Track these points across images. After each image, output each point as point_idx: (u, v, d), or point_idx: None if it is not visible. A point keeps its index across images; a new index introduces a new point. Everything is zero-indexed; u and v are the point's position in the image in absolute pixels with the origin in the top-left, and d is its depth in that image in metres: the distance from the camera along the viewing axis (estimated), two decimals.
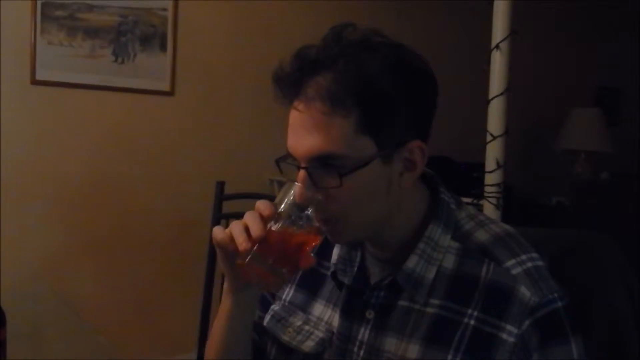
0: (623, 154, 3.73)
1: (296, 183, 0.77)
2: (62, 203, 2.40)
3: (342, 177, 0.74)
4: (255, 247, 0.72)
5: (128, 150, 2.53)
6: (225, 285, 0.86)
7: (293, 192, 0.76)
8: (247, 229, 0.74)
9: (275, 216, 0.74)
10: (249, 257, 0.72)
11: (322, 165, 0.76)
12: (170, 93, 2.60)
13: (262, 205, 0.75)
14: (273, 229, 0.74)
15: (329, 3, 2.95)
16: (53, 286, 2.18)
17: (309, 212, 0.75)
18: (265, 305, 0.99)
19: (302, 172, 0.77)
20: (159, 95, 2.58)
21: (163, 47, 2.56)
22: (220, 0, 2.71)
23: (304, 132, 0.77)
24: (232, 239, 0.75)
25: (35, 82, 2.32)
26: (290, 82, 0.79)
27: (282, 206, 0.75)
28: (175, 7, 2.57)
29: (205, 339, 1.74)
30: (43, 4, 2.30)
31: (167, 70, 2.58)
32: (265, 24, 2.83)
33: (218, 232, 0.77)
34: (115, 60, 2.47)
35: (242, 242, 0.73)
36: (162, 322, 2.54)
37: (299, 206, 0.75)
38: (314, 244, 0.77)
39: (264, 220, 0.74)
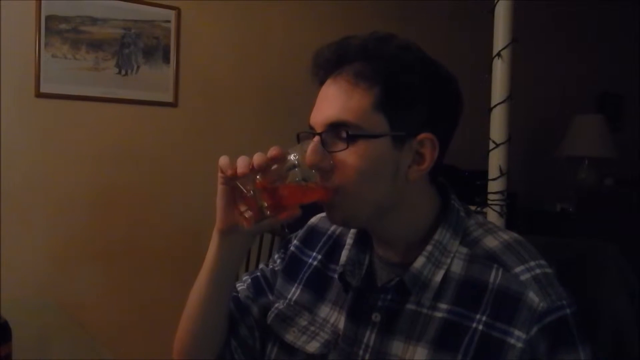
0: (626, 159, 3.72)
1: (308, 139, 0.82)
2: (66, 215, 2.41)
3: (351, 141, 0.78)
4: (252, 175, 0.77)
5: (132, 161, 2.54)
6: (214, 233, 0.88)
7: (301, 152, 0.80)
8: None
9: (282, 159, 0.78)
10: (242, 178, 0.77)
11: (335, 131, 0.80)
12: (173, 104, 2.62)
13: (272, 147, 0.79)
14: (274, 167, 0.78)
15: (332, 14, 2.97)
16: (58, 299, 2.18)
17: (314, 171, 0.79)
18: (256, 288, 1.00)
19: (316, 138, 0.81)
20: (162, 106, 2.59)
21: (166, 59, 2.58)
22: (223, 12, 2.72)
23: (326, 103, 0.82)
24: (233, 167, 0.79)
25: (39, 95, 2.33)
26: (328, 65, 0.85)
27: (292, 156, 0.79)
28: (178, 18, 2.59)
29: None
30: (47, 18, 2.32)
31: (170, 82, 2.59)
32: (267, 35, 2.85)
33: (223, 157, 0.81)
34: (119, 73, 2.48)
35: (241, 166, 0.77)
36: (168, 334, 2.53)
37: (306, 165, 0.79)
38: (306, 201, 0.80)
39: (269, 158, 0.77)
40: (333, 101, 0.81)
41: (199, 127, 2.69)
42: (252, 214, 0.78)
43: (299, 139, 0.87)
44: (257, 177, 0.77)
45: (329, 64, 0.84)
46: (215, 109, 2.73)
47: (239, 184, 0.78)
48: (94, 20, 2.42)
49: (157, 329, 2.55)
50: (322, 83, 0.85)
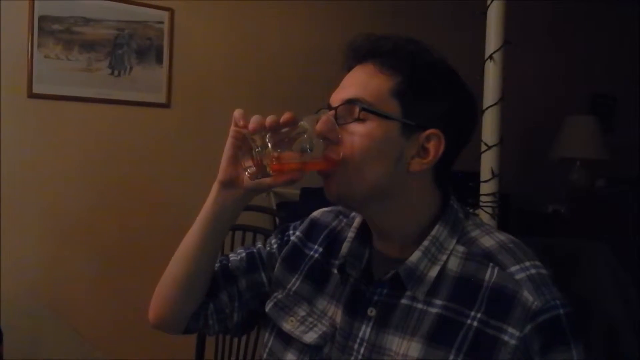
0: (618, 160, 3.74)
1: (324, 112, 0.86)
2: (59, 217, 2.40)
3: (362, 115, 0.82)
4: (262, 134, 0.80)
5: (125, 162, 2.53)
6: (215, 182, 0.90)
7: (312, 122, 0.82)
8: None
9: (293, 125, 0.81)
10: (253, 134, 0.80)
11: (350, 107, 0.83)
12: (166, 105, 2.61)
13: (286, 112, 0.82)
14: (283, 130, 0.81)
15: (326, 15, 2.98)
16: (51, 300, 2.18)
17: (321, 142, 0.82)
18: (250, 263, 1.02)
19: (331, 112, 0.85)
20: (155, 107, 2.59)
21: (159, 60, 2.57)
22: (217, 13, 2.72)
23: (347, 85, 0.86)
24: (245, 120, 0.82)
25: (32, 95, 2.32)
26: (358, 53, 0.88)
27: (303, 123, 0.82)
28: (171, 19, 2.58)
29: (202, 353, 1.74)
30: (40, 18, 2.31)
31: (163, 83, 2.59)
32: (261, 36, 2.85)
33: (238, 110, 0.85)
34: (112, 73, 2.48)
35: (253, 122, 0.80)
36: (161, 338, 2.53)
37: (315, 135, 0.82)
38: (308, 169, 0.82)
39: (282, 121, 0.80)
40: (354, 82, 0.85)
41: (192, 128, 2.68)
42: (255, 170, 0.81)
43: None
44: (267, 136, 0.79)
45: (360, 52, 0.87)
46: (208, 110, 2.72)
47: (248, 139, 0.81)
48: (87, 21, 2.41)
49: (151, 331, 2.54)
50: (349, 70, 0.88)
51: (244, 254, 1.03)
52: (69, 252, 2.42)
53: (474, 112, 0.90)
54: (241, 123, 0.83)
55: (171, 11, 2.58)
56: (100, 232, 2.49)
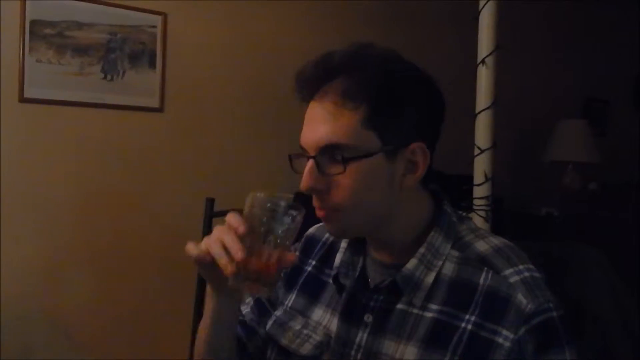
0: (611, 164, 3.77)
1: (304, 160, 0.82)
2: (51, 221, 2.39)
3: (346, 163, 0.79)
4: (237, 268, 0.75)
5: (118, 167, 2.52)
6: (208, 288, 0.89)
7: (260, 201, 0.77)
8: (226, 249, 0.75)
9: (250, 229, 0.76)
10: (233, 278, 0.75)
11: (329, 154, 0.81)
12: (159, 109, 2.60)
13: (234, 221, 0.76)
14: (247, 242, 0.75)
15: (320, 19, 2.98)
16: (44, 305, 2.16)
17: (280, 214, 0.76)
18: (260, 309, 1.03)
19: (310, 161, 0.82)
20: (148, 111, 2.58)
21: (152, 64, 2.57)
22: (210, 17, 2.72)
23: (315, 123, 0.82)
24: (209, 253, 0.77)
25: (23, 100, 2.31)
26: (311, 83, 0.84)
27: (255, 213, 0.77)
28: (165, 24, 2.58)
29: None
30: (32, 22, 2.30)
31: (156, 87, 2.58)
32: (255, 40, 2.85)
33: (192, 248, 0.79)
34: (104, 78, 2.47)
35: (226, 265, 0.75)
36: (154, 342, 2.52)
37: (270, 210, 0.77)
38: (291, 245, 0.79)
39: (242, 238, 0.75)
40: (323, 122, 0.81)
41: (185, 132, 2.68)
42: (259, 292, 0.80)
43: (291, 160, 0.87)
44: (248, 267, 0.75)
45: (312, 81, 0.84)
46: (202, 114, 2.72)
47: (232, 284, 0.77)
48: (79, 25, 2.40)
49: (145, 334, 2.53)
50: (307, 101, 0.85)
51: (252, 302, 1.04)
52: (63, 256, 2.41)
53: (442, 101, 0.88)
54: (208, 259, 0.77)
55: (164, 15, 2.57)
56: (94, 237, 2.47)
